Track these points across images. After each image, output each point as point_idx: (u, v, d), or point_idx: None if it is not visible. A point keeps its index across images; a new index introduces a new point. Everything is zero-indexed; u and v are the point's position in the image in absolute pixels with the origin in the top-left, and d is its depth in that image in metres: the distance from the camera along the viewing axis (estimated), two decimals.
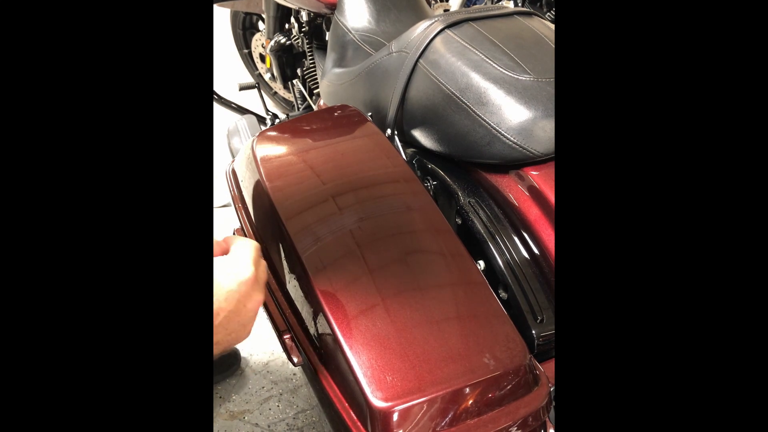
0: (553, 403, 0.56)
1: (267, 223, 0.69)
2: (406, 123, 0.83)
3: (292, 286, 0.62)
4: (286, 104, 2.13)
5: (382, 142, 0.74)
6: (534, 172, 0.70)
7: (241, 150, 0.82)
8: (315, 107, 1.48)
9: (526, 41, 0.76)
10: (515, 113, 0.68)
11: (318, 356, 0.58)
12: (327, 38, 1.25)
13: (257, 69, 2.14)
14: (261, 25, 2.05)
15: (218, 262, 0.51)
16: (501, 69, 0.71)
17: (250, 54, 2.14)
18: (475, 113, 0.71)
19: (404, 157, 0.82)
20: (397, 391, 0.49)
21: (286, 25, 1.56)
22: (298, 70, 1.56)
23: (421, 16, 1.15)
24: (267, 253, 0.70)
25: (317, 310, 0.56)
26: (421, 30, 0.82)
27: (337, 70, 1.08)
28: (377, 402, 0.48)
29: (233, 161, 0.87)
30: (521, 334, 0.55)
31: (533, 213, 0.68)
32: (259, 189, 0.70)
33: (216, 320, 0.48)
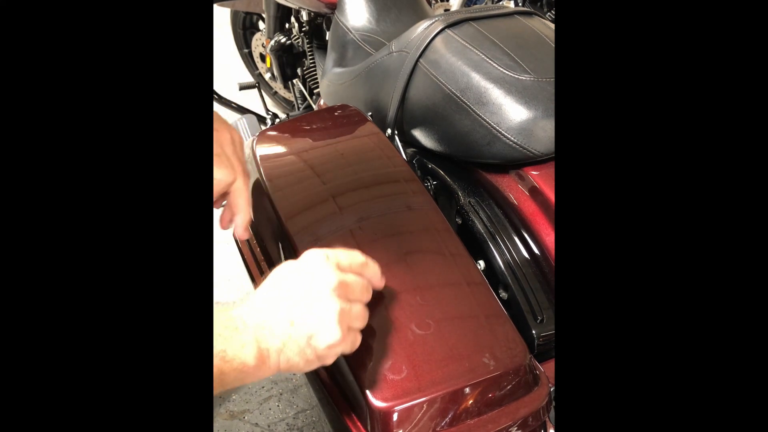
0: (553, 403, 0.56)
1: (267, 223, 0.69)
2: (407, 123, 0.83)
3: None
4: (287, 104, 2.12)
5: (383, 142, 0.74)
6: (534, 172, 0.70)
7: None
8: (315, 107, 1.48)
9: (527, 41, 0.76)
10: (515, 113, 0.68)
11: None
12: (327, 38, 1.25)
13: (257, 68, 2.14)
14: (261, 25, 2.05)
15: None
16: (501, 69, 0.71)
17: (250, 53, 2.13)
18: (475, 113, 0.71)
19: (404, 156, 0.82)
20: (397, 391, 0.49)
21: (287, 25, 1.56)
22: (299, 70, 1.56)
23: (421, 15, 1.15)
24: (267, 253, 0.70)
25: None
26: (421, 30, 0.82)
27: (338, 70, 1.08)
28: (377, 402, 0.48)
29: None
30: (521, 334, 0.55)
31: (533, 213, 0.68)
32: (259, 188, 0.70)
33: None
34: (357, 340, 0.48)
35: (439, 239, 0.62)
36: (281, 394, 1.30)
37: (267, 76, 1.90)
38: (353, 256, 0.51)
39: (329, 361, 0.47)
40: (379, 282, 0.53)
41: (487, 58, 0.72)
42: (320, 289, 0.46)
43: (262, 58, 2.06)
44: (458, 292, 0.57)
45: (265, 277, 0.49)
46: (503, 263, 0.67)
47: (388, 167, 0.70)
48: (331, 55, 1.14)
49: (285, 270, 0.49)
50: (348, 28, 1.10)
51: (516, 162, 0.70)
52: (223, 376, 0.41)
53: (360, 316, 0.48)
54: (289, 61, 1.54)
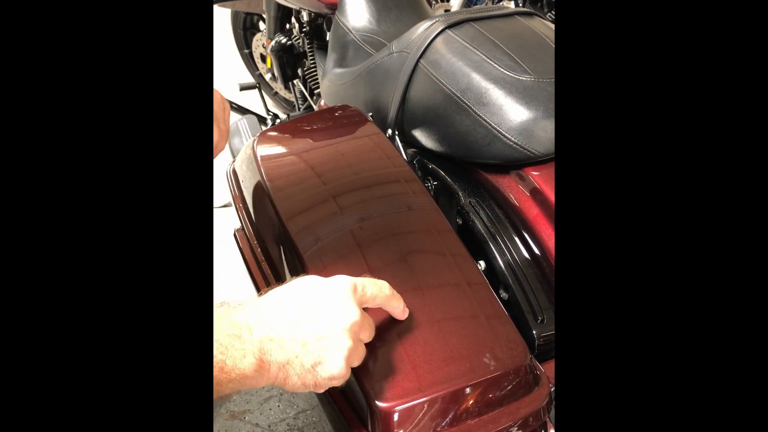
0: (554, 404, 0.56)
1: (268, 223, 0.69)
2: (407, 123, 0.83)
3: None
4: (287, 104, 2.13)
5: (383, 143, 0.74)
6: (535, 173, 0.70)
7: (242, 150, 0.82)
8: (316, 107, 1.48)
9: (527, 41, 0.76)
10: (516, 113, 0.68)
11: None
12: (328, 38, 1.25)
13: (258, 69, 2.14)
14: (262, 26, 2.05)
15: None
16: (502, 69, 0.71)
17: (250, 54, 2.14)
18: (475, 113, 0.71)
19: (405, 157, 0.82)
20: (398, 391, 0.49)
21: (287, 26, 1.56)
22: (299, 70, 1.56)
23: (421, 16, 1.15)
24: (267, 253, 0.70)
25: None
26: (422, 30, 0.82)
27: (338, 70, 1.08)
28: (378, 402, 0.48)
29: (234, 161, 0.87)
30: (522, 335, 0.55)
31: (534, 213, 0.68)
32: (259, 189, 0.70)
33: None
34: (348, 376, 0.48)
35: (439, 239, 0.62)
36: (282, 394, 1.30)
37: (267, 76, 1.90)
38: (380, 288, 0.50)
39: (321, 390, 0.47)
40: (402, 314, 0.53)
41: (488, 58, 0.73)
42: (341, 323, 0.46)
43: (263, 58, 2.06)
44: (459, 292, 0.57)
45: (282, 283, 0.48)
46: (504, 263, 0.67)
47: (388, 168, 0.70)
48: (331, 56, 1.14)
49: (308, 287, 0.48)
50: (348, 29, 1.10)
51: (516, 162, 0.70)
52: (220, 386, 0.41)
53: (360, 356, 0.49)
54: (289, 62, 1.55)
